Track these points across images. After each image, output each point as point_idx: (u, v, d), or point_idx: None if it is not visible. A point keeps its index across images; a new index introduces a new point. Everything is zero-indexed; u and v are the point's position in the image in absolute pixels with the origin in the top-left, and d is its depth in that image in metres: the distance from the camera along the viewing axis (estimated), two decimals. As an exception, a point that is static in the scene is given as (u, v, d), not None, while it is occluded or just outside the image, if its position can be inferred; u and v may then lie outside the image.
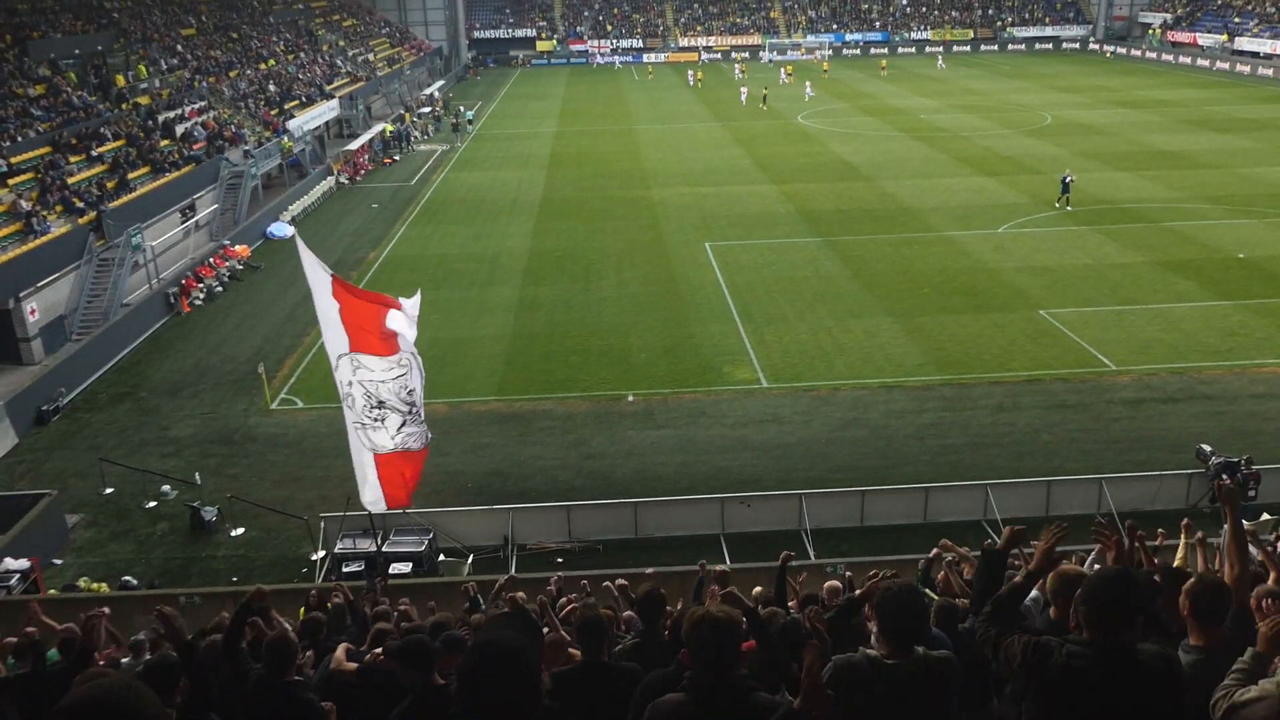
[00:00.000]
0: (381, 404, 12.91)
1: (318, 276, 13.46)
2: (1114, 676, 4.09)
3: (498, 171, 50.10)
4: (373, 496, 14.69)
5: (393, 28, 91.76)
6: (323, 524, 18.12)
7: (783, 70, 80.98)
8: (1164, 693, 4.15)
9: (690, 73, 79.93)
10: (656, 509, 18.70)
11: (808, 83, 72.94)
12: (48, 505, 18.46)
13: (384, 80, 73.14)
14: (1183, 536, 10.25)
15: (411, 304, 14.61)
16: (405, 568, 16.62)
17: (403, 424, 12.87)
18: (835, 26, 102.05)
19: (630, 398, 23.86)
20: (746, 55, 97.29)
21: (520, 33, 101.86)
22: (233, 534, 18.90)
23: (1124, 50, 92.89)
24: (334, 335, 13.48)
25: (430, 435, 13.62)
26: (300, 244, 13.36)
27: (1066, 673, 4.13)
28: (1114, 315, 27.84)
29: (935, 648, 4.75)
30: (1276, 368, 24.45)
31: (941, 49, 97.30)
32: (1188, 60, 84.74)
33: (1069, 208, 38.04)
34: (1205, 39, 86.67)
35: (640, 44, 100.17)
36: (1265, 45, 79.88)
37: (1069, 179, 38.83)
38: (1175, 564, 8.40)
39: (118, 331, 28.28)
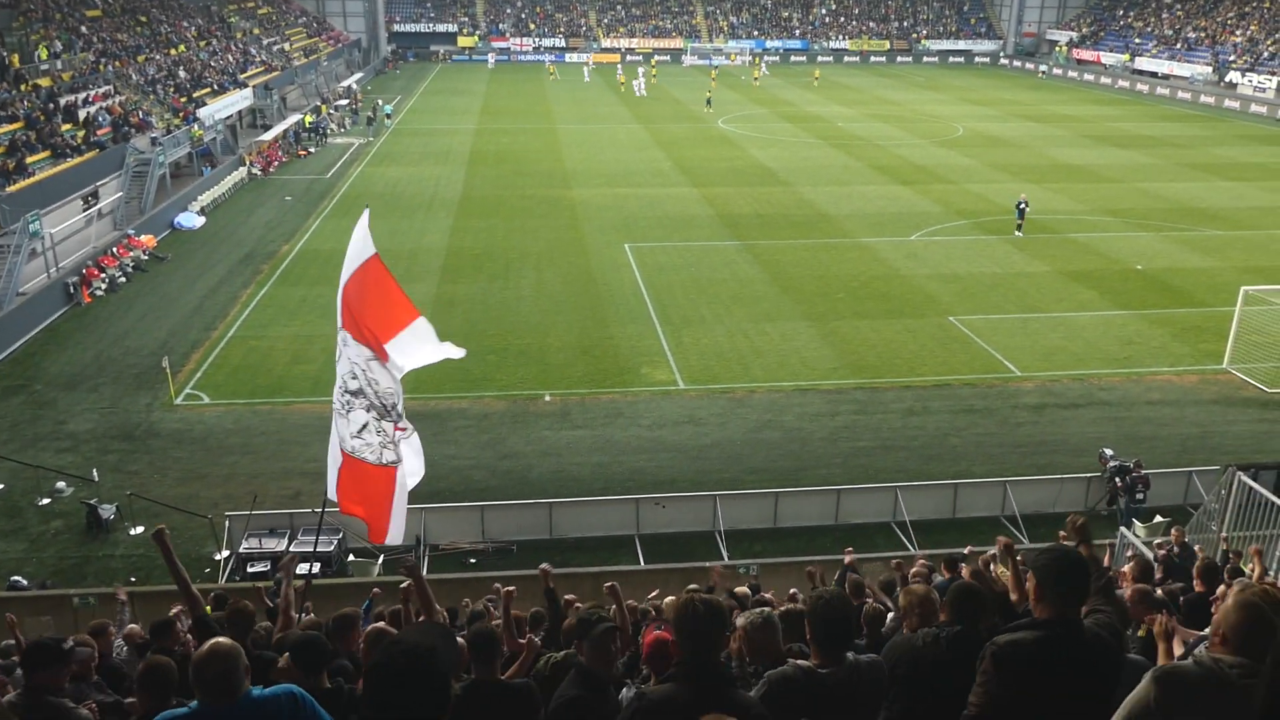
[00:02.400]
0: (359, 391, 10.43)
1: (360, 249, 10.73)
2: (1070, 651, 4.22)
3: (416, 167, 49.43)
4: (330, 490, 11.70)
5: (310, 17, 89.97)
6: (227, 523, 17.63)
7: (711, 75, 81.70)
8: (1111, 664, 4.34)
9: (639, 79, 79.44)
10: (572, 509, 18.63)
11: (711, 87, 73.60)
12: (-68, 502, 17.60)
13: (300, 71, 71.59)
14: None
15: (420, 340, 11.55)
16: (314, 568, 16.23)
17: (364, 426, 10.50)
18: (756, 33, 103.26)
19: (547, 397, 23.75)
20: (667, 59, 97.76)
21: (441, 28, 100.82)
22: (132, 532, 18.25)
23: (1032, 66, 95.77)
24: (339, 308, 10.77)
25: (395, 459, 10.19)
26: (365, 218, 10.73)
27: (1029, 653, 4.21)
28: (1019, 323, 28.66)
29: (860, 653, 4.82)
30: (1170, 375, 25.44)
31: (830, 60, 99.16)
32: (1091, 77, 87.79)
33: (1018, 233, 37.06)
34: (1108, 58, 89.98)
35: (563, 43, 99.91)
36: (1163, 66, 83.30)
37: (1023, 205, 37.64)
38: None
39: (12, 321, 27.10)
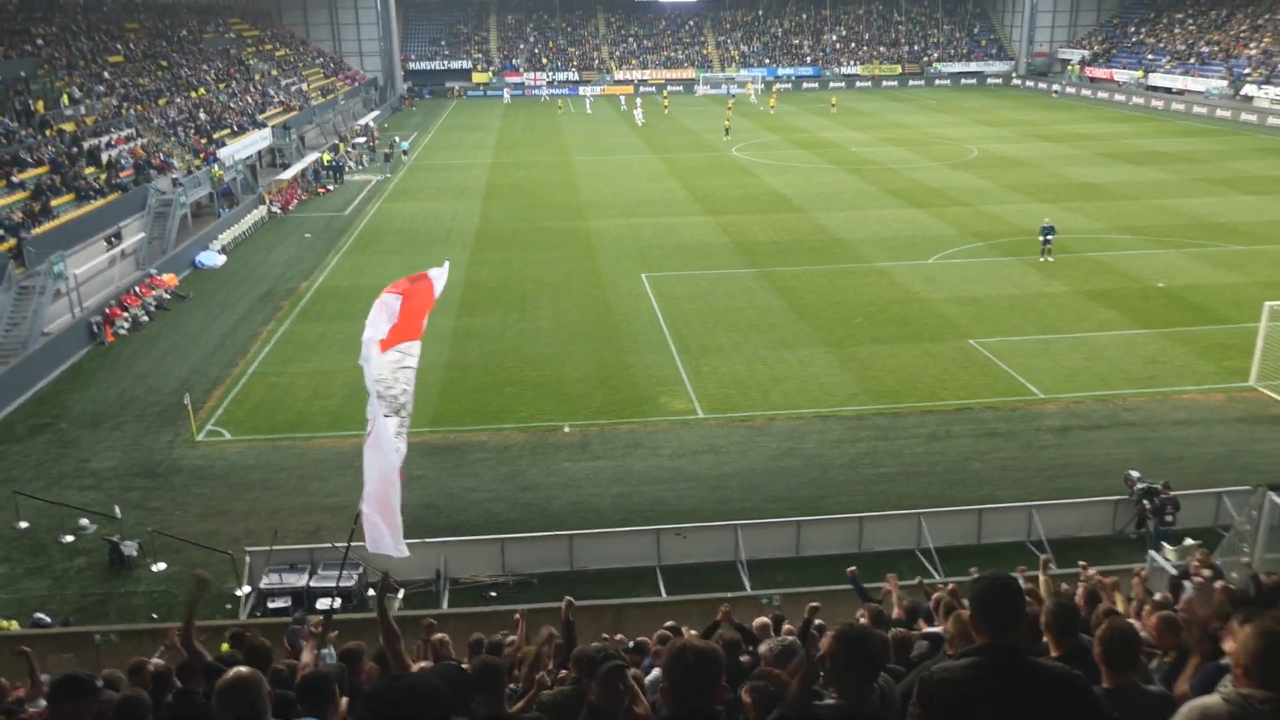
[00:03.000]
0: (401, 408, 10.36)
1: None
2: (1004, 682, 4.00)
3: (433, 202, 49.80)
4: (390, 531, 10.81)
5: (327, 58, 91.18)
6: (248, 559, 17.63)
7: (727, 105, 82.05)
8: (1066, 693, 4.05)
9: (638, 108, 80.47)
10: (592, 541, 18.52)
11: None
12: (-43, 544, 17.71)
13: (318, 110, 72.51)
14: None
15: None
16: (336, 603, 16.21)
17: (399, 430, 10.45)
18: (768, 61, 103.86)
19: (566, 429, 23.72)
20: (680, 89, 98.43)
21: (456, 64, 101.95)
22: (154, 569, 18.30)
23: (1045, 85, 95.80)
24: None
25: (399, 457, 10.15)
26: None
27: (955, 683, 4.02)
28: (1040, 344, 28.46)
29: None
30: (1196, 394, 25.15)
31: (842, 85, 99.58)
32: (1105, 95, 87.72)
33: (1049, 258, 36.05)
34: (1121, 75, 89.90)
35: (576, 77, 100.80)
36: (1177, 81, 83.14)
37: (1047, 228, 36.26)
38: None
39: (37, 361, 27.39)
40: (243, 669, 4.46)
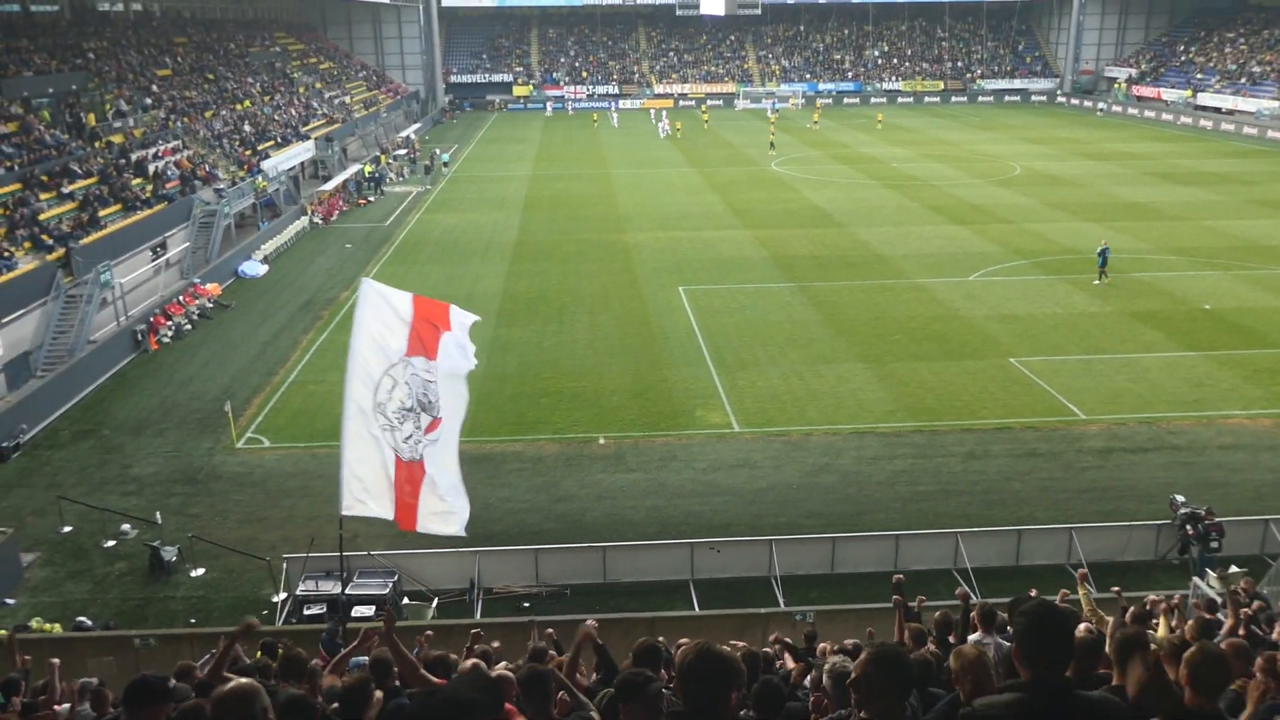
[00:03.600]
0: (412, 408, 12.73)
1: (382, 304, 13.26)
2: (1054, 717, 3.87)
3: (472, 213, 50.17)
4: (384, 507, 13.44)
5: (369, 71, 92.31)
6: (285, 565, 17.78)
7: (771, 120, 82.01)
8: None
9: (663, 120, 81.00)
10: (626, 553, 18.49)
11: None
12: (2, 543, 18.02)
13: (360, 122, 73.38)
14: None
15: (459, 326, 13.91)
16: (368, 611, 16.30)
17: (409, 435, 12.86)
18: (809, 76, 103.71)
19: (601, 440, 23.72)
20: (720, 103, 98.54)
21: (497, 78, 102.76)
22: (193, 574, 18.51)
23: (1090, 103, 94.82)
24: (388, 345, 13.04)
25: (419, 454, 12.99)
26: (370, 285, 13.05)
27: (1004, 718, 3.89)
28: (1083, 364, 28.06)
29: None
30: (1243, 419, 24.66)
31: (883, 101, 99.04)
32: (1152, 114, 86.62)
33: (1106, 279, 35.16)
34: (1169, 94, 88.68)
35: (616, 90, 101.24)
36: (1226, 101, 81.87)
37: (1105, 250, 35.43)
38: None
39: (83, 368, 27.88)
40: (242, 680, 4.42)
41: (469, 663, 8.16)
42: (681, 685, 3.95)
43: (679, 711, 3.96)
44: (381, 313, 13.00)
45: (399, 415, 12.72)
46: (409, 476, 12.99)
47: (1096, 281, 35.23)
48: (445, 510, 13.34)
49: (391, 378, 12.82)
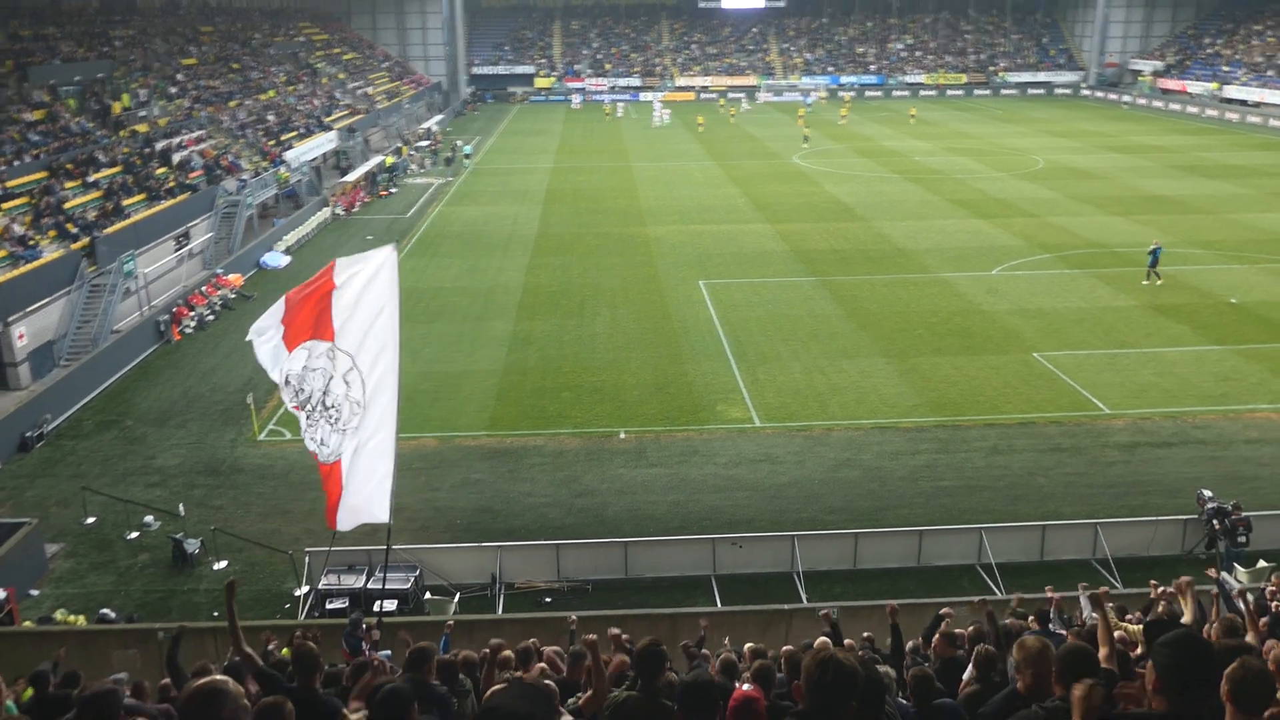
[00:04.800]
0: (332, 405, 11.31)
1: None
2: None
3: (494, 206, 50.17)
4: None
5: (393, 62, 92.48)
6: (307, 559, 17.82)
7: (800, 113, 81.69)
8: None
9: (660, 111, 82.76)
10: (647, 549, 18.43)
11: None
12: (26, 534, 18.10)
13: (383, 113, 73.52)
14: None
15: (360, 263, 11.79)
16: (390, 605, 16.33)
17: (324, 436, 11.47)
18: (831, 69, 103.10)
19: (622, 435, 23.67)
20: (742, 96, 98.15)
21: (520, 69, 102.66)
22: (215, 567, 18.58)
23: (1115, 96, 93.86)
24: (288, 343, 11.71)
25: (336, 452, 11.30)
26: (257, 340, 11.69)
27: None
28: (1107, 359, 27.79)
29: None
30: (1270, 413, 24.37)
31: (906, 94, 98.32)
32: (1178, 107, 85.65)
33: (1158, 281, 34.01)
34: (1195, 87, 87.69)
35: (639, 83, 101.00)
36: (1253, 94, 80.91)
37: (1158, 250, 34.35)
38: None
39: (106, 358, 28.05)
40: (217, 678, 4.20)
41: (536, 667, 8.15)
42: (804, 693, 3.89)
43: (803, 712, 3.89)
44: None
45: (311, 419, 11.33)
46: (331, 477, 11.56)
47: (1145, 281, 34.21)
48: (356, 504, 11.69)
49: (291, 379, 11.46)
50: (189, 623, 14.15)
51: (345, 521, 11.54)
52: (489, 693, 6.38)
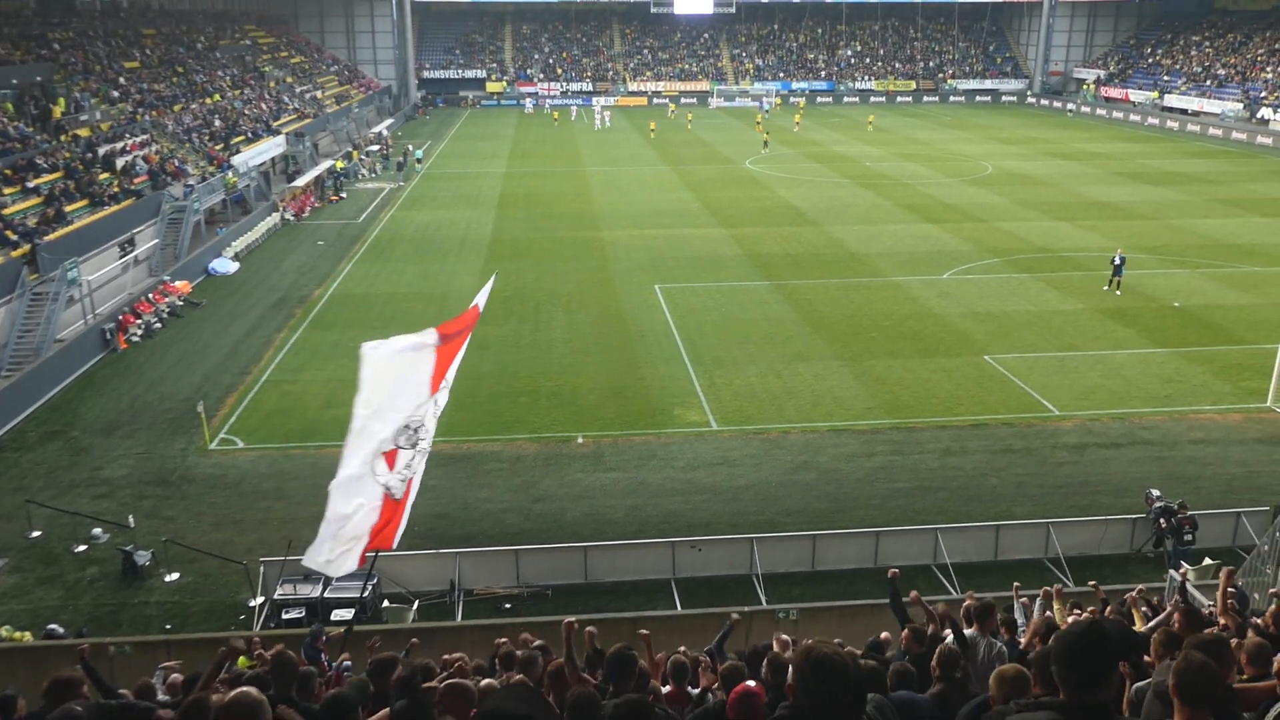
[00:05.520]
0: (416, 444, 12.05)
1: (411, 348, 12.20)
2: None
3: (446, 211, 49.85)
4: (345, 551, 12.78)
5: (341, 66, 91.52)
6: (262, 569, 17.54)
7: (758, 119, 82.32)
8: None
9: (602, 114, 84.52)
10: (606, 553, 18.40)
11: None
12: (-30, 549, 17.63)
13: (332, 118, 72.71)
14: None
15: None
16: (348, 614, 16.11)
17: (408, 463, 12.21)
18: (782, 75, 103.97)
19: (580, 440, 23.62)
20: (694, 101, 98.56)
21: (470, 73, 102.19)
22: (167, 579, 18.21)
23: (1060, 104, 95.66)
24: (420, 391, 12.30)
25: (399, 488, 12.23)
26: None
27: None
28: (1056, 361, 28.29)
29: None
30: (1213, 414, 24.96)
31: (856, 101, 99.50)
32: (1120, 115, 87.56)
33: (1117, 292, 34.25)
34: (1137, 95, 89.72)
35: (590, 87, 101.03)
36: (1192, 103, 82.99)
37: (1119, 260, 34.50)
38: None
39: (50, 368, 27.38)
40: (249, 690, 4.28)
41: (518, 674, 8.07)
42: (794, 689, 3.80)
43: (795, 704, 3.81)
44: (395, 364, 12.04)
45: (409, 454, 12.17)
46: (393, 507, 12.38)
47: (1106, 288, 34.48)
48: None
49: (414, 421, 12.10)
50: (141, 637, 13.88)
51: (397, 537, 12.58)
52: (482, 693, 6.31)
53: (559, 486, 21.44)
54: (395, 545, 12.24)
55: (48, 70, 45.36)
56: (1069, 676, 3.85)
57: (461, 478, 21.75)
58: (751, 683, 5.91)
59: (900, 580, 11.38)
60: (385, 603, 17.17)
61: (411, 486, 12.27)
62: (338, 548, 11.43)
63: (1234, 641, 5.83)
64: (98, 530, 19.56)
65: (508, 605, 17.38)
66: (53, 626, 15.99)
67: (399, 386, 11.88)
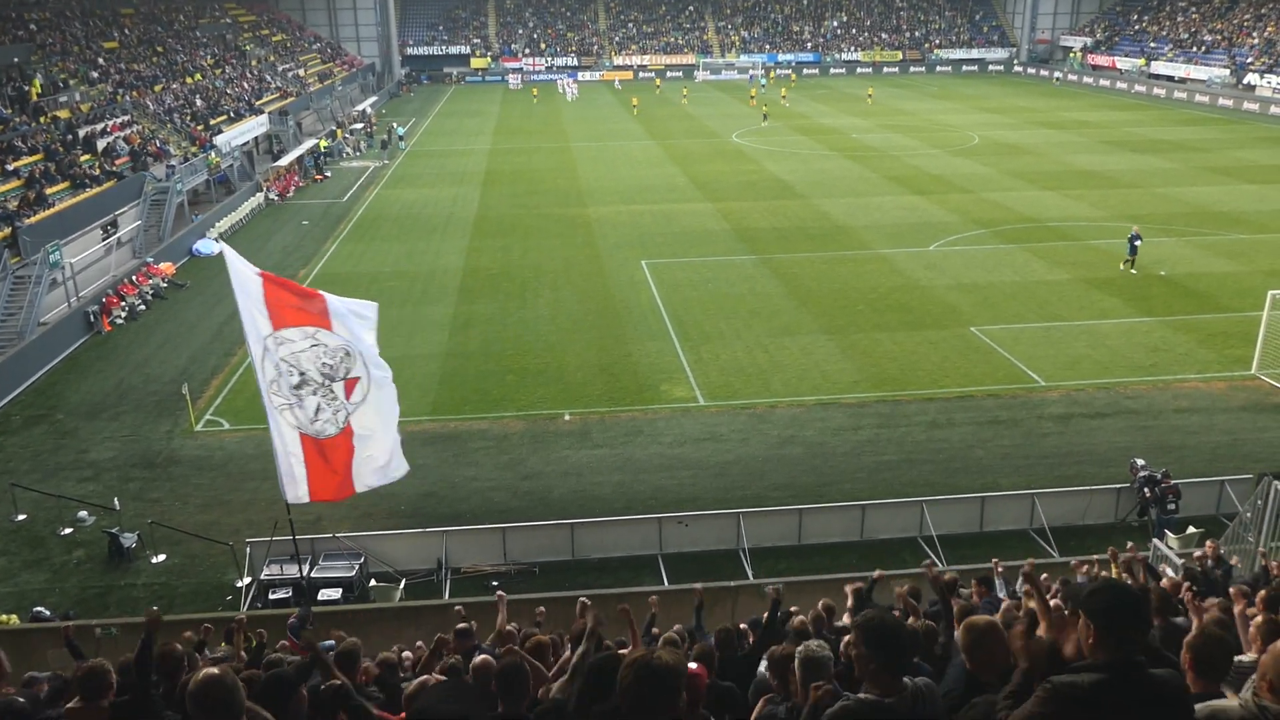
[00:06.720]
0: (303, 377, 13.33)
1: (244, 276, 14.10)
2: (1131, 698, 3.79)
3: (431, 189, 49.58)
4: (297, 490, 14.31)
5: (324, 43, 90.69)
6: (249, 550, 17.54)
7: (751, 93, 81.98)
8: (1182, 713, 3.91)
9: (569, 87, 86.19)
10: (594, 530, 18.44)
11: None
12: (-45, 534, 17.58)
13: (315, 96, 72.10)
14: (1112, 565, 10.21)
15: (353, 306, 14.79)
16: (335, 594, 16.15)
17: (318, 408, 13.21)
18: (768, 47, 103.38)
19: (566, 417, 23.62)
20: (680, 75, 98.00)
21: (454, 50, 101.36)
22: (154, 561, 18.20)
23: (1046, 73, 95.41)
24: (257, 323, 13.81)
25: (347, 418, 13.94)
26: (228, 252, 14.16)
27: (1083, 699, 3.78)
28: (1042, 332, 28.35)
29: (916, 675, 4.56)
30: (1198, 382, 25.06)
31: (842, 72, 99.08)
32: (1107, 83, 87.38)
33: (1133, 270, 33.26)
34: (1123, 63, 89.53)
35: (575, 62, 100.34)
36: (1179, 70, 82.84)
37: (1136, 239, 33.43)
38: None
39: (33, 351, 27.23)
40: (213, 670, 4.25)
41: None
42: (622, 695, 3.76)
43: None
44: (245, 284, 13.97)
45: (293, 393, 13.54)
46: (330, 451, 13.74)
47: (1122, 267, 33.72)
48: (382, 465, 14.31)
49: (270, 354, 13.53)
50: (128, 618, 13.87)
51: (368, 481, 14.22)
52: (414, 692, 6.25)
53: (546, 464, 21.44)
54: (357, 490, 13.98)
55: (25, 51, 44.85)
56: (1108, 637, 3.87)
57: (448, 456, 21.74)
58: (694, 665, 5.92)
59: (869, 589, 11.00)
60: (372, 581, 17.19)
61: (351, 441, 13.73)
62: (296, 488, 13.65)
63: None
64: (84, 513, 19.52)
65: (495, 583, 17.40)
66: (39, 609, 15.98)
67: (243, 287, 14.07)
